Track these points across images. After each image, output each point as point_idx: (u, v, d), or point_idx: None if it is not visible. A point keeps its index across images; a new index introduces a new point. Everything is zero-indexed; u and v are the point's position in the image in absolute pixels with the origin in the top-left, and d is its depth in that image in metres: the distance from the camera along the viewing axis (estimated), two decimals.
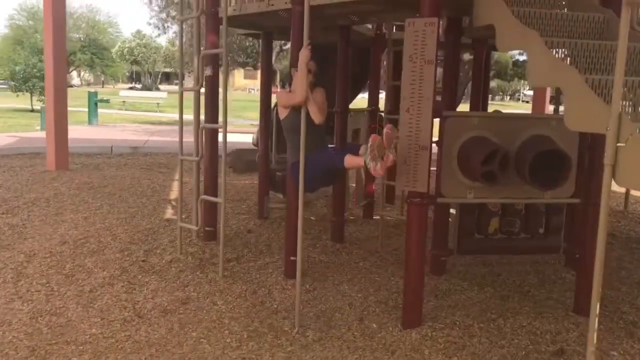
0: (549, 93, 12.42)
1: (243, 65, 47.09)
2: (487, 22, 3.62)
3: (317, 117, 4.06)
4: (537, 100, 12.13)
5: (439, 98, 4.86)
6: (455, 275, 5.16)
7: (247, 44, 41.42)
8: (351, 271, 5.19)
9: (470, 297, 4.66)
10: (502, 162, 3.82)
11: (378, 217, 7.19)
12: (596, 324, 2.74)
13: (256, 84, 58.83)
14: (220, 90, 5.20)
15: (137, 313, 4.10)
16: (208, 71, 5.54)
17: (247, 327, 3.96)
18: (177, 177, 9.63)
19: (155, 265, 5.12)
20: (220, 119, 5.01)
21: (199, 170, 5.80)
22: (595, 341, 2.76)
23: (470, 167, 3.88)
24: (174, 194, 8.25)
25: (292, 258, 4.84)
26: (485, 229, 4.88)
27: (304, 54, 3.93)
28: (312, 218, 7.16)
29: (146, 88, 46.56)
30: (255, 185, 7.88)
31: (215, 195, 5.78)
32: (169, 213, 7.09)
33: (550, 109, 12.59)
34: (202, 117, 5.70)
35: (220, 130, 5.07)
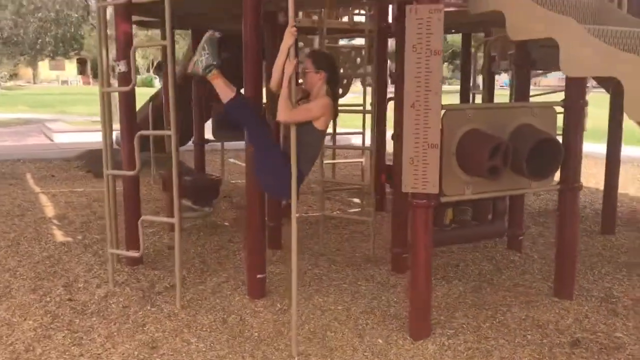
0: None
1: (54, 54, 42.91)
2: (492, 8, 3.40)
3: (280, 114, 3.46)
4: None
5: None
6: None
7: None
8: (313, 281, 4.78)
9: (447, 294, 4.52)
10: (504, 155, 3.67)
11: (297, 215, 6.81)
12: None
13: (66, 74, 53.66)
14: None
15: None
16: (122, 67, 4.69)
17: None
18: (38, 189, 8.33)
19: (89, 303, 4.24)
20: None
21: (115, 183, 4.97)
22: None
23: (474, 162, 3.68)
24: (50, 210, 7.05)
25: (259, 276, 4.32)
26: (441, 221, 4.76)
27: (288, 38, 3.36)
28: (225, 223, 6.59)
29: None
30: None
31: (138, 212, 4.99)
32: (59, 235, 6.01)
33: None
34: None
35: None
